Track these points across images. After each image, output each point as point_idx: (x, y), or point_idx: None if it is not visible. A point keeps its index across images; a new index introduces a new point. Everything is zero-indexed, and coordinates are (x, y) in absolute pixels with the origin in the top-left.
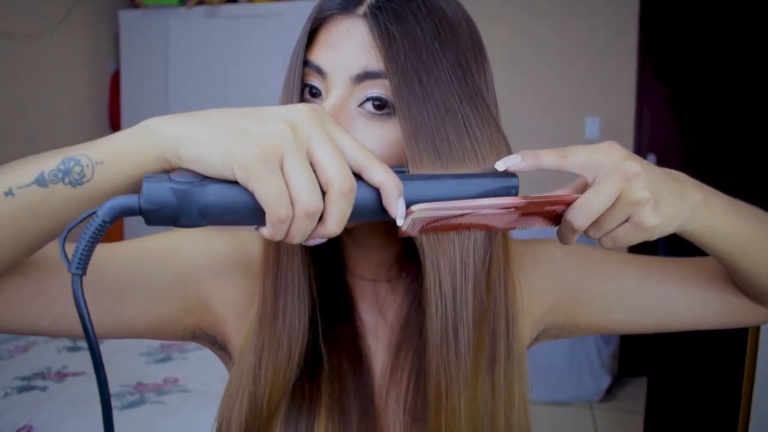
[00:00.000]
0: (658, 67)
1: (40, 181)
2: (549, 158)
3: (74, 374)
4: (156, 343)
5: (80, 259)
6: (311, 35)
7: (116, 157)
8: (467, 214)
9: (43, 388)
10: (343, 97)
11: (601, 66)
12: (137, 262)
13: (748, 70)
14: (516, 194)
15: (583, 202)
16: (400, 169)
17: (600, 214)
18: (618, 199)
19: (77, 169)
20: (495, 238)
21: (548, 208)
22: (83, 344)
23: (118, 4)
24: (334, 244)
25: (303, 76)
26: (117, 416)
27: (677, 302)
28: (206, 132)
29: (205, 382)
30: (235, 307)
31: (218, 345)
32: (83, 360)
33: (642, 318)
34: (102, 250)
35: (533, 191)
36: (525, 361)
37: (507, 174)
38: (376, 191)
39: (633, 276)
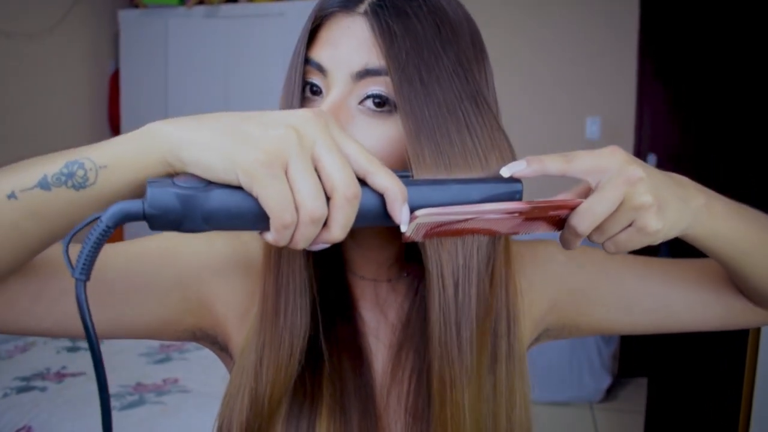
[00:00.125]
0: (658, 67)
1: (43, 185)
2: (553, 163)
3: (73, 375)
4: (155, 343)
5: (84, 264)
6: (312, 33)
7: (119, 161)
8: (471, 219)
9: (43, 389)
10: (344, 95)
11: (601, 66)
12: (138, 263)
13: (748, 70)
14: (520, 199)
15: (586, 207)
16: (404, 173)
17: (604, 219)
18: (621, 203)
19: (80, 172)
20: (498, 239)
21: (552, 212)
22: (82, 345)
23: (118, 3)
24: (335, 244)
25: (304, 74)
26: (116, 417)
27: (678, 303)
28: (208, 136)
29: (204, 383)
30: (236, 307)
31: (219, 345)
32: (83, 360)
33: (642, 319)
34: (103, 250)
35: (534, 194)
36: (526, 361)
37: (511, 179)
38: (381, 197)
39: (634, 277)
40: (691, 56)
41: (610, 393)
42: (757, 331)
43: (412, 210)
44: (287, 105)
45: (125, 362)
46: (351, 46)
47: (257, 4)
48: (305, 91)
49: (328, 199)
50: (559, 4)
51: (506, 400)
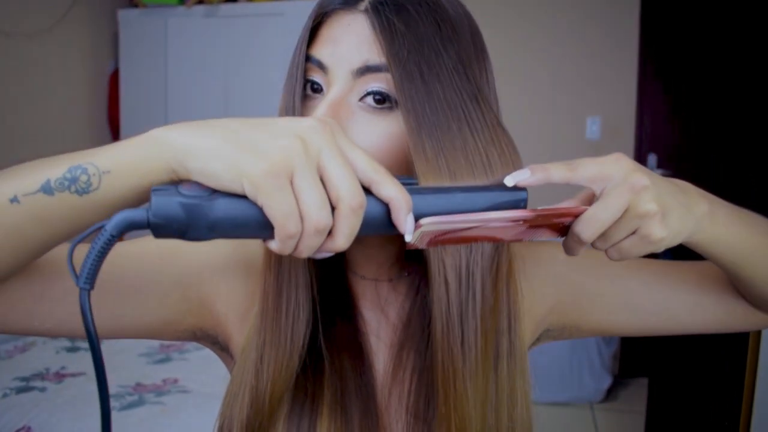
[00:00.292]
0: (658, 68)
1: (46, 189)
2: (558, 172)
3: (73, 375)
4: (155, 343)
5: (88, 273)
6: (313, 31)
7: (123, 166)
8: (475, 227)
9: (42, 389)
10: (344, 91)
11: (601, 66)
12: (139, 263)
13: (748, 70)
14: (525, 207)
15: (591, 214)
16: (408, 181)
17: (608, 226)
18: (626, 211)
19: (84, 177)
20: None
21: (556, 220)
22: (82, 345)
23: (117, 3)
24: None
25: (305, 71)
26: (116, 417)
27: (678, 306)
28: (214, 144)
29: (204, 383)
30: (237, 307)
31: (219, 345)
32: (82, 360)
33: (643, 321)
34: None
35: (536, 199)
36: (527, 360)
37: (515, 187)
38: (385, 206)
39: (635, 279)
40: (691, 56)
41: (610, 393)
42: (758, 331)
43: (417, 218)
44: (288, 103)
45: (125, 362)
46: (351, 43)
47: (257, 4)
48: (306, 88)
49: (333, 208)
50: (559, 5)
51: (508, 398)
